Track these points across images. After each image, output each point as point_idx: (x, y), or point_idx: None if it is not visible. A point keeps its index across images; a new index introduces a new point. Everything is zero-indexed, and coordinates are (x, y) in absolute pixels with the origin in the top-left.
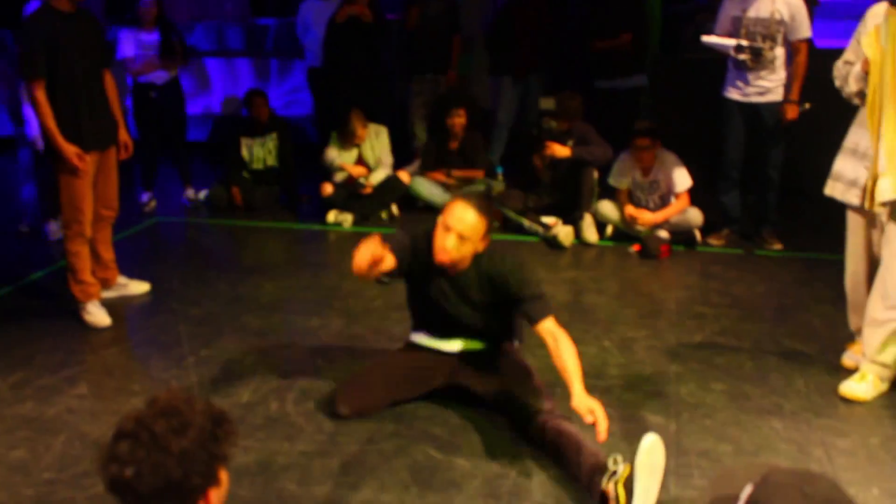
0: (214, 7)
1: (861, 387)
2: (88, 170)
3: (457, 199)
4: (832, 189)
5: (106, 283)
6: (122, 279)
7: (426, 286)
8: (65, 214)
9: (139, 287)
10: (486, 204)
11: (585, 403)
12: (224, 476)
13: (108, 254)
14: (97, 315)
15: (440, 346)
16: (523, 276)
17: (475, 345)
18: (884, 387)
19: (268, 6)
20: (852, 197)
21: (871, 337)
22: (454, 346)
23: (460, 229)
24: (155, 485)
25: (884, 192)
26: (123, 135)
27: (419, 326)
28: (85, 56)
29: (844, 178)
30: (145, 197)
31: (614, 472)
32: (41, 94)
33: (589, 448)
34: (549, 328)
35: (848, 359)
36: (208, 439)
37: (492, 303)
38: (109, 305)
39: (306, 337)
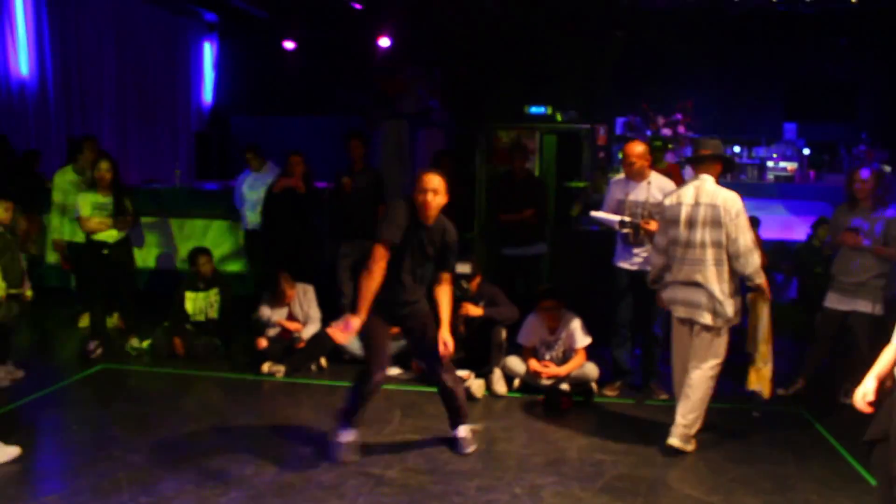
0: (165, 172)
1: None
2: None
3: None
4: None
5: None
6: None
7: (409, 240)
8: None
9: None
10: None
11: (445, 336)
12: None
13: None
14: None
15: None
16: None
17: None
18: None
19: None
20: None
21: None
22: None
23: (433, 186)
24: None
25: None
26: None
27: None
28: None
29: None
30: (92, 345)
31: None
32: None
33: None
34: (447, 278)
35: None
36: None
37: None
38: (54, 449)
39: (241, 484)
